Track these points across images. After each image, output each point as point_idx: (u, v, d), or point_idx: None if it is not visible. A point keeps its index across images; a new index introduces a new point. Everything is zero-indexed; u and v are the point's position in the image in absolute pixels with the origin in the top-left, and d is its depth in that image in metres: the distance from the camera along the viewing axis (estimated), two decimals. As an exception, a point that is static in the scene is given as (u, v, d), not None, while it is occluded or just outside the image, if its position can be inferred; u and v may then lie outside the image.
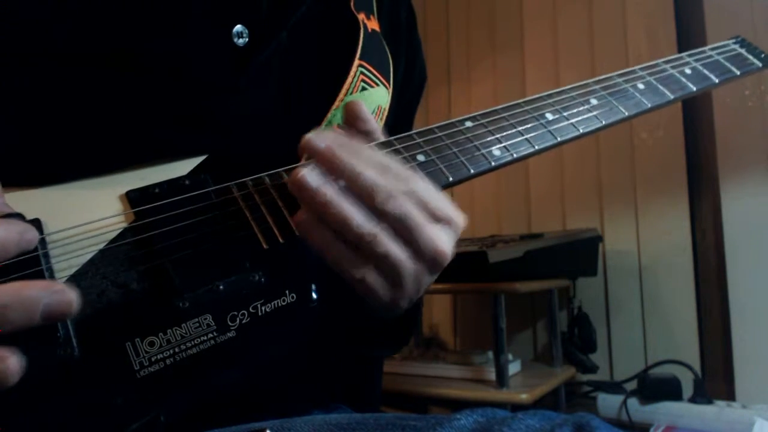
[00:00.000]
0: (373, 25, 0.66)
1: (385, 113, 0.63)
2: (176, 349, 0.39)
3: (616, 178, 1.90)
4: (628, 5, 1.91)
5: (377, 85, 0.61)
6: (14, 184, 0.44)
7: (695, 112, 1.80)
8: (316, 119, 0.56)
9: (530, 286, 1.55)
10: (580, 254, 1.74)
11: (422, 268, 0.44)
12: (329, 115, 0.56)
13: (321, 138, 0.43)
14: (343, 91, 0.57)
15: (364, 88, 0.59)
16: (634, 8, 1.90)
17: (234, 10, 0.52)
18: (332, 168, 0.42)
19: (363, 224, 0.41)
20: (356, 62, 0.58)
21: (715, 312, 1.71)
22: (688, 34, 1.80)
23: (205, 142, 0.49)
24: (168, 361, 0.39)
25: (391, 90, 0.65)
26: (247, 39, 0.52)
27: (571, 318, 1.85)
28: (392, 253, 0.42)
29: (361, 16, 0.62)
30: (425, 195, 0.44)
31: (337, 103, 0.57)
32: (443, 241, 0.44)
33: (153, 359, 0.39)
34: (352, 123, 0.49)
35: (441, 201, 0.45)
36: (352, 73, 0.58)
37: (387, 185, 0.42)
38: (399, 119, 0.67)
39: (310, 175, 0.42)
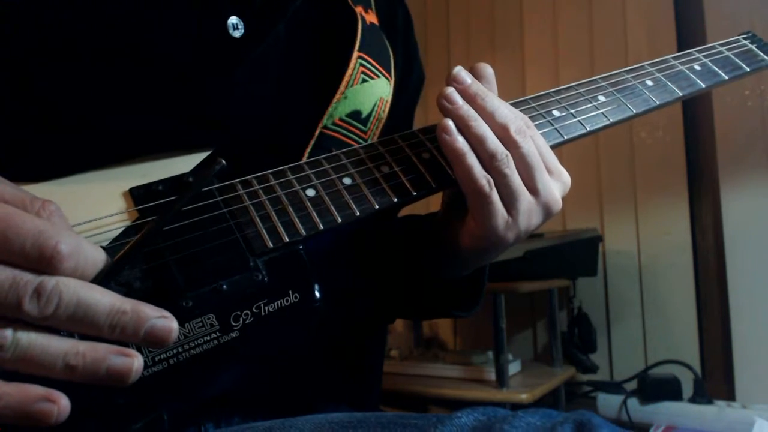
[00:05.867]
0: (372, 18, 0.65)
1: (387, 105, 0.63)
2: (179, 349, 0.39)
3: (616, 178, 1.90)
4: (628, 5, 1.91)
5: (378, 76, 0.61)
6: (17, 179, 0.44)
7: (695, 112, 1.80)
8: (317, 112, 0.56)
9: (530, 286, 1.55)
10: (580, 254, 1.74)
11: (536, 206, 0.50)
12: (330, 109, 0.56)
13: (468, 74, 0.50)
14: (343, 83, 0.57)
15: (364, 80, 0.59)
16: (634, 8, 1.90)
17: (227, 1, 0.51)
18: (475, 98, 0.49)
19: (497, 144, 0.48)
20: (355, 54, 0.58)
21: (715, 312, 1.71)
22: (688, 34, 1.80)
23: (205, 136, 0.49)
24: (171, 361, 0.38)
25: (393, 81, 0.64)
26: (243, 31, 0.51)
27: (571, 318, 1.85)
28: (516, 177, 0.48)
29: (359, 9, 0.62)
30: (543, 147, 0.50)
31: (337, 96, 0.56)
32: (556, 189, 0.51)
33: (156, 359, 0.38)
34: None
35: (553, 156, 0.51)
36: (351, 66, 0.57)
37: (519, 124, 0.48)
38: (397, 121, 0.66)
39: (454, 94, 0.48)
